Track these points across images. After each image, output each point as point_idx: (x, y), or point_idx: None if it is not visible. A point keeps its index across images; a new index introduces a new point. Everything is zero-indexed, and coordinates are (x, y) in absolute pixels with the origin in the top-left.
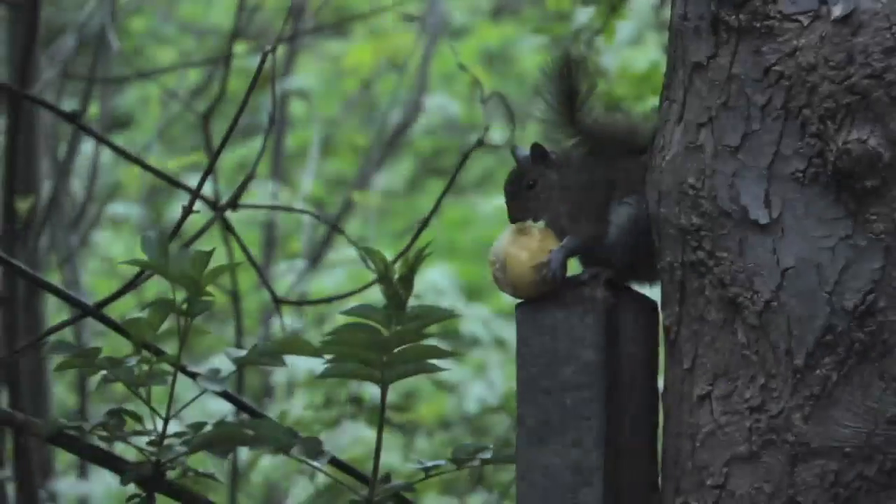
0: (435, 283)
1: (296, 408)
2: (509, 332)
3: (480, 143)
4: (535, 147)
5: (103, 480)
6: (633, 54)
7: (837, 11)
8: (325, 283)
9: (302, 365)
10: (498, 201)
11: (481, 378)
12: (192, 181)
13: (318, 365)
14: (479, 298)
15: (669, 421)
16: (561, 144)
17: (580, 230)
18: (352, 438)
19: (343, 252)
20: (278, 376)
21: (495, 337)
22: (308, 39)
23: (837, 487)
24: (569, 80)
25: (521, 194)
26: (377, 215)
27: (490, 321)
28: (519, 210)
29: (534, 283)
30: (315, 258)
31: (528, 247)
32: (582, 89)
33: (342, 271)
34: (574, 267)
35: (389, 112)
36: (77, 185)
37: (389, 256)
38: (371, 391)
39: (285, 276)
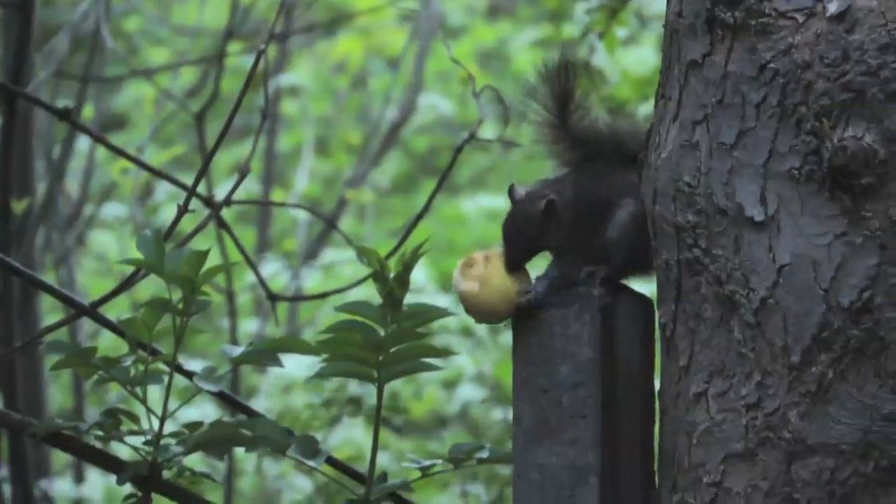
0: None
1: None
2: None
3: (472, 137)
4: (550, 204)
5: (100, 480)
6: (625, 54)
7: (832, 8)
8: (318, 284)
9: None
10: (489, 201)
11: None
12: (184, 180)
13: (300, 367)
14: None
15: (666, 419)
16: (551, 147)
17: (564, 261)
18: (343, 439)
19: (334, 255)
20: (257, 377)
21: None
22: (300, 39)
23: (833, 485)
24: (564, 83)
25: (526, 248)
26: (374, 214)
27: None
28: (520, 261)
29: (498, 309)
30: (310, 256)
31: (476, 275)
32: (576, 92)
33: (334, 273)
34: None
35: (383, 110)
36: (72, 185)
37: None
38: (358, 390)
39: (279, 275)
